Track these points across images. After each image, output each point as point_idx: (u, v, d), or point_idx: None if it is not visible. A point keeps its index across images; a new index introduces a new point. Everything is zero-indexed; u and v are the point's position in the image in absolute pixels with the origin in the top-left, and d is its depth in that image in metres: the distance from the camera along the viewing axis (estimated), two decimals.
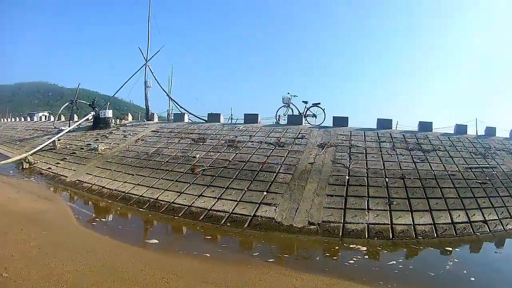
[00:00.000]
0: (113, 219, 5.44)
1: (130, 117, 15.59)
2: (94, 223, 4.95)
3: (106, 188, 6.69)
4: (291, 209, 4.93)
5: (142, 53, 14.48)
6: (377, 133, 8.29)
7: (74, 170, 8.37)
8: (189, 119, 12.84)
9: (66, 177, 7.97)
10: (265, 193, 5.43)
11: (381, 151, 7.06)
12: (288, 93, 10.53)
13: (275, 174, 6.06)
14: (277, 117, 10.58)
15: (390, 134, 8.24)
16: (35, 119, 21.65)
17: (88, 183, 7.19)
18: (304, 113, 10.30)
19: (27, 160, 10.17)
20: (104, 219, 5.29)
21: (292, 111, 10.50)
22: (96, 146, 9.95)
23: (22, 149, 13.29)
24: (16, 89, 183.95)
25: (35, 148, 11.51)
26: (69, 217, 5.17)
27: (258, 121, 10.56)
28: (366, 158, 6.68)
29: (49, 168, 9.25)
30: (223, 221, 4.83)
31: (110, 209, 5.88)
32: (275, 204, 5.06)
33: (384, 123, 9.22)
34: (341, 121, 9.18)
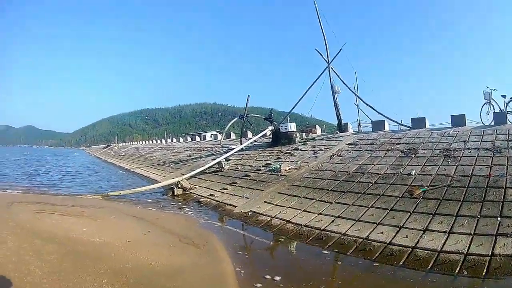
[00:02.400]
0: (311, 282, 3.11)
1: (318, 130, 13.57)
2: None
3: (291, 222, 5.25)
4: None
5: (322, 55, 12.74)
6: None
7: (247, 198, 6.98)
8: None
9: (235, 206, 6.70)
10: (499, 218, 3.93)
11: None
12: (487, 87, 9.41)
13: (503, 190, 4.59)
14: (481, 116, 9.46)
15: None
16: (208, 138, 23.04)
17: (266, 215, 5.82)
18: (505, 109, 9.05)
19: (179, 185, 9.40)
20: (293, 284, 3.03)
21: (493, 107, 9.34)
22: (278, 166, 8.42)
23: (176, 172, 12.79)
24: (176, 112, 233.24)
25: (194, 170, 10.78)
26: (229, 284, 3.06)
27: (465, 123, 9.04)
28: None
29: (211, 195, 8.16)
30: (457, 269, 3.27)
31: (298, 262, 4.07)
32: None
33: None
34: None
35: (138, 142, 50.99)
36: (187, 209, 7.56)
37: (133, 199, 9.04)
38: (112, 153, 44.43)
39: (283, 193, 6.70)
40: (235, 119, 13.40)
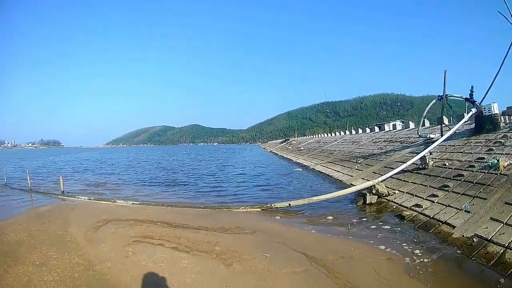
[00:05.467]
0: None
1: None
2: None
3: None
4: None
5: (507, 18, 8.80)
6: None
7: (467, 212, 5.04)
8: None
9: (453, 227, 4.81)
10: None
11: None
12: None
13: None
14: None
15: None
16: (387, 128, 20.46)
17: (498, 244, 3.92)
18: None
19: (374, 190, 7.29)
20: None
21: None
22: (496, 161, 6.12)
23: (367, 170, 10.87)
24: (357, 103, 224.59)
25: (389, 168, 8.73)
26: None
27: None
28: None
29: (416, 205, 6.11)
30: None
31: None
32: None
33: None
34: None
35: (319, 135, 49.63)
36: (384, 229, 5.45)
37: (306, 212, 7.18)
38: (289, 147, 43.25)
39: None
40: (433, 101, 10.34)
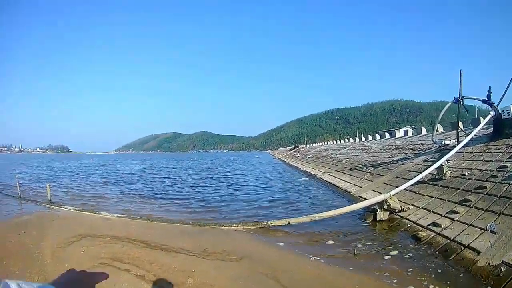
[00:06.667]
0: None
1: None
2: None
3: None
4: None
5: None
6: None
7: (493, 233, 4.24)
8: None
9: (478, 252, 3.97)
10: None
11: None
12: None
13: None
14: None
15: None
16: (398, 135, 19.34)
17: None
18: None
19: (386, 206, 6.41)
20: None
21: None
22: None
23: (377, 180, 9.91)
24: (366, 110, 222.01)
25: (402, 178, 7.96)
26: None
27: None
28: None
29: (434, 224, 5.27)
30: None
31: None
32: None
33: None
34: None
35: (328, 142, 48.39)
36: (397, 256, 4.52)
37: (307, 230, 6.32)
38: (298, 155, 42.35)
39: None
40: (449, 104, 9.33)
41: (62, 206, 9.29)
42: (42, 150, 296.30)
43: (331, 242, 5.45)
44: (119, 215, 7.97)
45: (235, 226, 6.74)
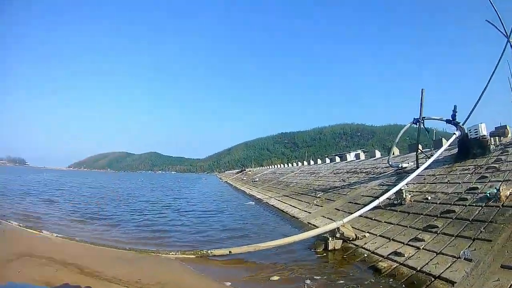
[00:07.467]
0: None
1: (510, 131, 9.04)
2: None
3: None
4: None
5: (497, 27, 8.84)
6: None
7: (468, 260, 4.05)
8: None
9: (451, 283, 3.75)
10: None
11: None
12: None
13: None
14: None
15: None
16: (349, 158, 19.98)
17: None
18: None
19: (338, 234, 6.08)
20: None
21: None
22: (495, 190, 5.25)
23: (327, 206, 9.65)
24: (315, 134, 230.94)
25: (354, 204, 7.91)
26: None
27: None
28: None
29: (395, 253, 4.98)
30: None
31: None
32: None
33: None
34: None
35: (276, 166, 49.02)
36: None
37: (250, 261, 5.87)
38: (245, 178, 41.95)
39: None
40: (408, 125, 9.85)
41: (8, 221, 7.93)
42: (2, 161, 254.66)
43: (276, 278, 4.81)
44: (58, 236, 7.17)
45: (173, 254, 6.09)
